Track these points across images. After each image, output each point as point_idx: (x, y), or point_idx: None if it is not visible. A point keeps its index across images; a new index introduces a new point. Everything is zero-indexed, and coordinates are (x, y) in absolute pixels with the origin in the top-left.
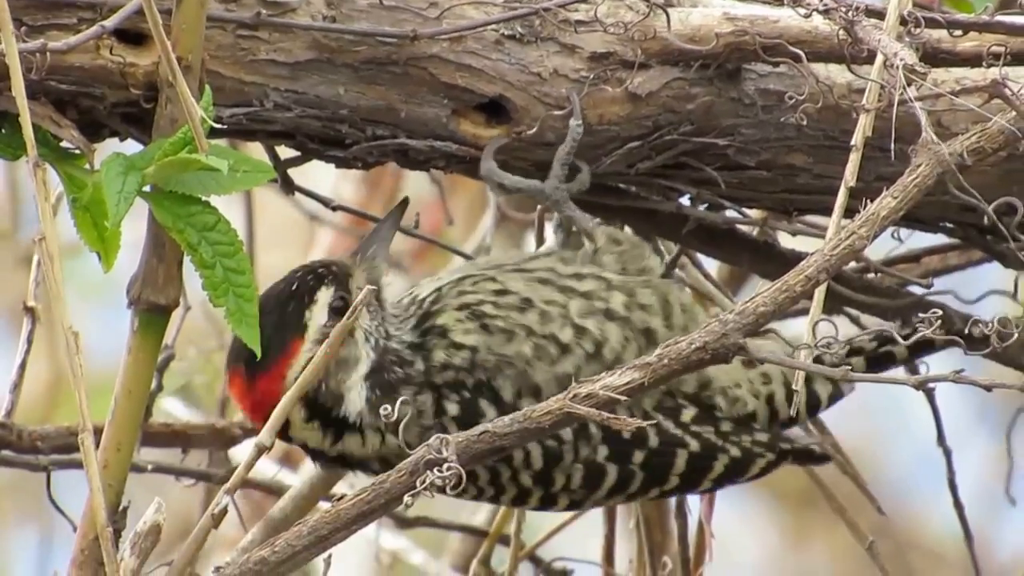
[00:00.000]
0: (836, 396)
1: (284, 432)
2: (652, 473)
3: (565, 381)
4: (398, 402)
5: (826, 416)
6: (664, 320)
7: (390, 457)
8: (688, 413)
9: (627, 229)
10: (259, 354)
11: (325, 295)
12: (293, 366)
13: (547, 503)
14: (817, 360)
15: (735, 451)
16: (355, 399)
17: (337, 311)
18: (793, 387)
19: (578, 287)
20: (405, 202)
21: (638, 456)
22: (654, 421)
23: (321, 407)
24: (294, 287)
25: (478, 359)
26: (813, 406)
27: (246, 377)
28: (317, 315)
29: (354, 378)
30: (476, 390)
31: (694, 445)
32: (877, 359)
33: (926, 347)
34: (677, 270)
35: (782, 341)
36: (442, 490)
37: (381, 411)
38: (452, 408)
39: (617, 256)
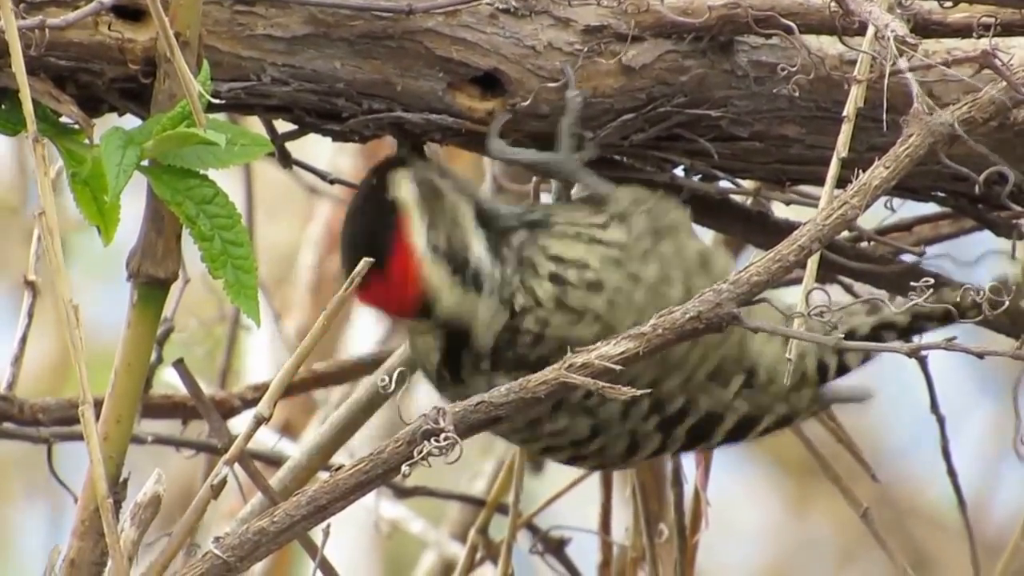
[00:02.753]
0: (842, 369)
1: (427, 314)
2: (694, 437)
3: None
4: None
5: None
6: (684, 290)
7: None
8: (735, 384)
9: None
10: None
11: (402, 175)
12: (416, 240)
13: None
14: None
15: (772, 417)
16: (480, 249)
17: (423, 183)
18: (787, 356)
19: (644, 274)
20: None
21: (682, 429)
22: (648, 391)
23: (459, 258)
24: (369, 184)
25: (546, 332)
26: (842, 370)
27: (382, 279)
28: (407, 190)
29: (470, 225)
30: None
31: (735, 415)
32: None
33: (949, 317)
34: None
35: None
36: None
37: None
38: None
39: (647, 215)
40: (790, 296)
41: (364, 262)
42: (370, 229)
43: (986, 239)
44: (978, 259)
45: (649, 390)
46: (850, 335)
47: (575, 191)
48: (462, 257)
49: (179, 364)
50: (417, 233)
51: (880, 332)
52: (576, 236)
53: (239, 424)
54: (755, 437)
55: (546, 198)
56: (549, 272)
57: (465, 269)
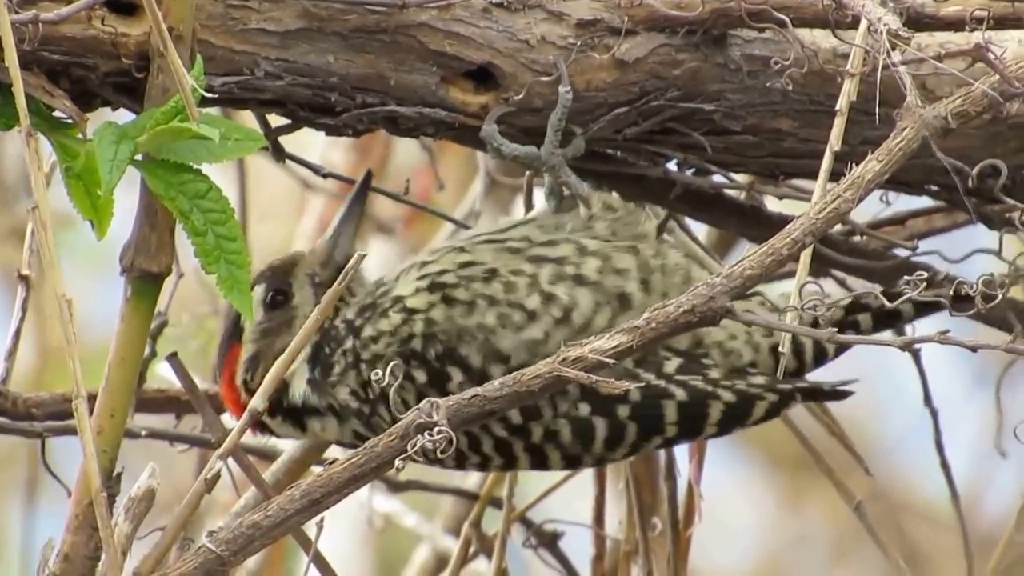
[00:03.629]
0: (843, 347)
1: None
2: (645, 424)
3: (534, 346)
4: (389, 366)
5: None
6: (641, 284)
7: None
8: (671, 364)
9: (614, 194)
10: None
11: (256, 293)
12: (239, 368)
13: (538, 461)
14: (813, 321)
15: (728, 395)
16: (298, 384)
17: (274, 304)
18: (780, 350)
19: (550, 254)
20: (368, 176)
21: (623, 410)
22: (642, 383)
23: (276, 402)
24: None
25: (436, 329)
26: (819, 356)
27: (220, 379)
28: (253, 316)
29: (296, 363)
30: (443, 358)
31: (680, 394)
32: (885, 316)
33: (933, 307)
34: (665, 235)
35: (769, 303)
36: (432, 455)
37: (372, 376)
38: (420, 375)
39: (610, 223)
40: (783, 289)
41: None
42: (219, 343)
43: (979, 233)
44: (967, 256)
45: (642, 383)
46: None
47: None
48: (278, 398)
49: (173, 358)
50: (239, 368)
51: (855, 315)
52: (457, 251)
53: (232, 419)
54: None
55: (539, 193)
56: (417, 288)
57: (282, 407)
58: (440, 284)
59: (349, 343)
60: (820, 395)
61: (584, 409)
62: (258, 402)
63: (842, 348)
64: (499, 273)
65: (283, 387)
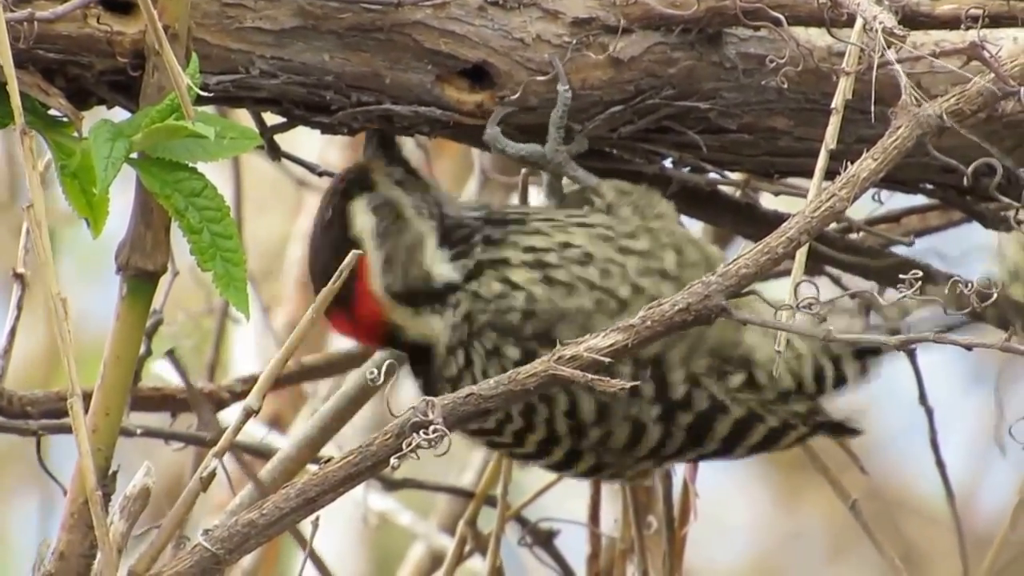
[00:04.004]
0: (864, 373)
1: (394, 343)
2: (694, 436)
3: None
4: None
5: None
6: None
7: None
8: (736, 379)
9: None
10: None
11: (360, 203)
12: (372, 275)
13: (570, 460)
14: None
15: (774, 421)
16: (442, 269)
17: (381, 208)
18: (776, 348)
19: (634, 246)
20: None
21: (684, 419)
22: (636, 383)
23: (416, 293)
24: (330, 216)
25: (537, 307)
26: (839, 381)
27: (347, 316)
28: (364, 225)
29: (431, 249)
30: (533, 338)
31: (738, 411)
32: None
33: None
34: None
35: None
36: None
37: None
38: (512, 352)
39: (632, 206)
40: (779, 289)
41: (325, 299)
42: (331, 270)
43: (975, 231)
44: (964, 254)
45: (636, 382)
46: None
47: (565, 183)
48: (420, 289)
49: (171, 354)
50: (374, 276)
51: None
52: (556, 227)
53: (228, 417)
54: (746, 450)
55: (535, 191)
56: (523, 261)
57: (423, 300)
58: (543, 263)
59: (480, 249)
60: (843, 431)
61: (653, 412)
62: (253, 401)
63: (865, 371)
64: (595, 258)
65: (424, 276)
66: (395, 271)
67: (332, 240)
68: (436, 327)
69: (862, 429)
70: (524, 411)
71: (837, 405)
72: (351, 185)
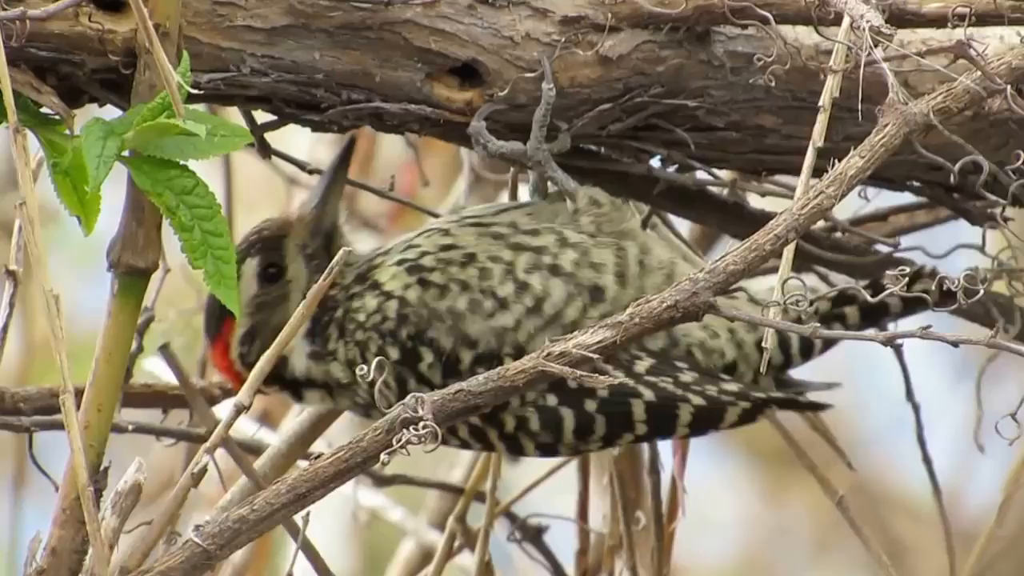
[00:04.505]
0: (830, 342)
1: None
2: (613, 420)
3: (503, 333)
4: (374, 362)
5: (799, 374)
6: (617, 279)
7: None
8: (643, 364)
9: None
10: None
11: (250, 267)
12: (232, 342)
13: (514, 447)
14: (796, 317)
15: (698, 400)
16: (298, 359)
17: (269, 278)
18: (763, 345)
19: (531, 242)
20: (351, 143)
21: (591, 404)
22: (623, 379)
23: (273, 374)
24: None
25: (408, 311)
26: (806, 350)
27: (211, 350)
28: (245, 288)
29: (296, 340)
30: (414, 338)
31: (648, 394)
32: (872, 310)
33: (920, 303)
34: (649, 230)
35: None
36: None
37: (357, 371)
38: (393, 352)
39: (595, 217)
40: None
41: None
42: (209, 311)
43: (962, 228)
44: (950, 251)
45: (627, 379)
46: (846, 302)
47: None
48: (279, 372)
49: (164, 349)
50: (233, 342)
51: (842, 307)
52: (440, 231)
53: (219, 414)
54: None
55: (524, 189)
56: (394, 274)
57: (282, 380)
58: (418, 267)
59: (339, 313)
60: (796, 405)
61: (552, 400)
62: (244, 397)
63: (829, 343)
64: (477, 259)
65: (282, 361)
66: (254, 345)
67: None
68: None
69: (824, 404)
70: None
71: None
72: (250, 246)
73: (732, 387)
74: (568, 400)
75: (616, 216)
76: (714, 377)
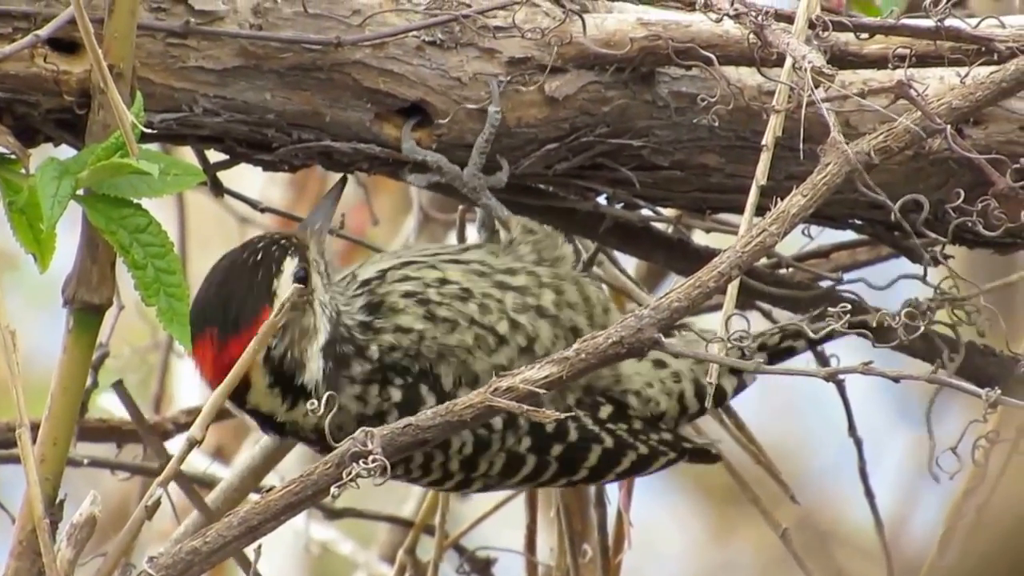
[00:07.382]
0: (740, 388)
1: (239, 397)
2: (565, 465)
3: (496, 373)
4: (324, 396)
5: (745, 410)
6: (587, 319)
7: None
8: (606, 410)
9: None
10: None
11: (290, 265)
12: (262, 333)
13: (463, 486)
14: (730, 354)
15: (643, 448)
16: (314, 368)
17: (299, 280)
18: (708, 379)
19: (511, 282)
20: (344, 180)
21: (556, 449)
22: (573, 414)
23: (285, 374)
24: (260, 256)
25: (423, 347)
26: (720, 398)
27: (218, 340)
28: (284, 285)
29: (314, 348)
30: (419, 376)
31: (608, 442)
32: (780, 353)
33: (828, 336)
34: (595, 267)
35: (696, 335)
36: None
37: (308, 406)
38: (395, 394)
39: (532, 245)
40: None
41: (209, 320)
42: (240, 294)
43: (903, 265)
44: (892, 283)
45: (571, 414)
46: (761, 348)
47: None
48: (289, 373)
49: (118, 385)
50: (263, 334)
51: (789, 341)
52: (427, 266)
53: (172, 448)
54: (615, 476)
55: (472, 229)
56: (405, 305)
57: (289, 383)
58: (426, 300)
59: (369, 347)
60: (704, 457)
61: (525, 444)
62: (196, 431)
63: (742, 386)
64: (473, 294)
65: (300, 366)
66: (283, 341)
67: (250, 280)
68: (279, 407)
69: (720, 456)
70: (423, 458)
71: (698, 433)
72: (292, 245)
73: (667, 436)
74: (537, 446)
75: (550, 242)
76: (655, 425)
